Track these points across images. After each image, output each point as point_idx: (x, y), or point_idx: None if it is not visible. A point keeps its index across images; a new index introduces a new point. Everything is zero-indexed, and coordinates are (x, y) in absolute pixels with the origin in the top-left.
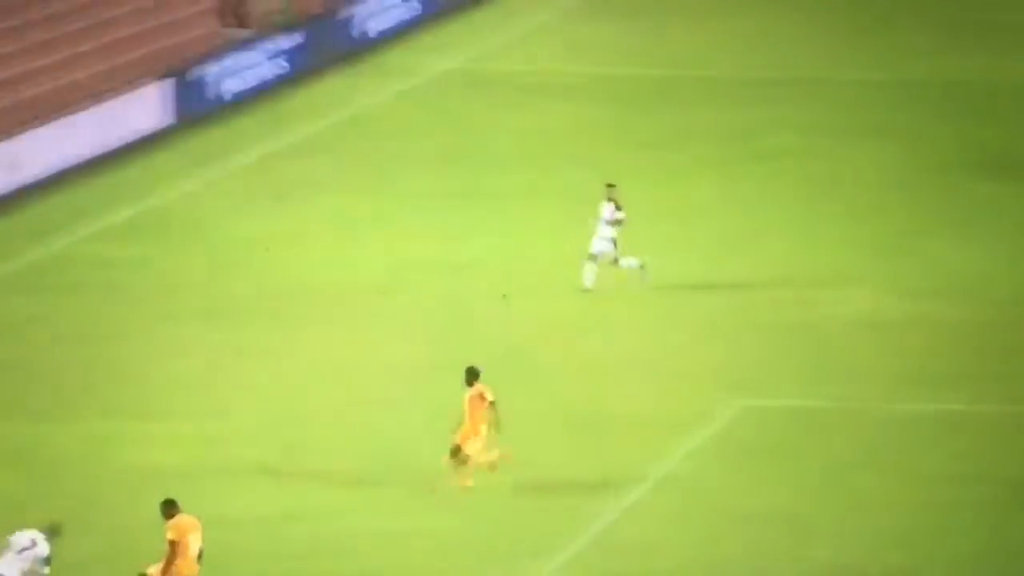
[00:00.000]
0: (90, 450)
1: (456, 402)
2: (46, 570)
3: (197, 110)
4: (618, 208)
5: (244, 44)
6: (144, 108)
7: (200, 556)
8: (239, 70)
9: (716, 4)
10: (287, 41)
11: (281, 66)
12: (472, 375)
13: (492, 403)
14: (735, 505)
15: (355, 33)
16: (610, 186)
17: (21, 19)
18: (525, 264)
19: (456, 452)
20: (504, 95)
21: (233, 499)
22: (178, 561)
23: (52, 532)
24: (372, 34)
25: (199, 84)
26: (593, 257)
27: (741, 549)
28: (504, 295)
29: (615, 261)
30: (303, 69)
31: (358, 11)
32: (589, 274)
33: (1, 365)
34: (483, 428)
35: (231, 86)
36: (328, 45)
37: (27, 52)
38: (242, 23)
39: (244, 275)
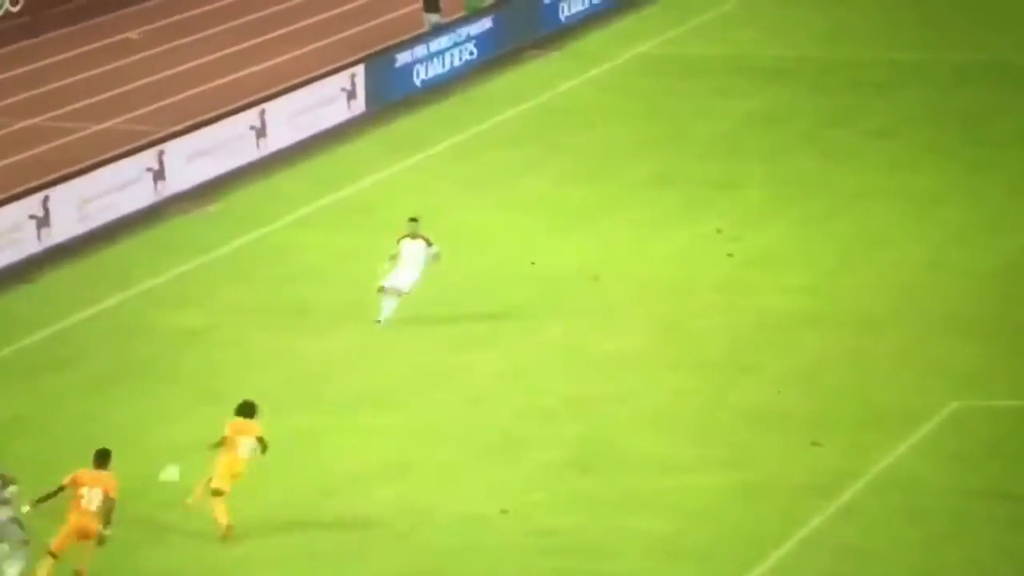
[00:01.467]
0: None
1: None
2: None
3: (392, 97)
4: (429, 244)
5: (439, 30)
6: (340, 95)
7: (104, 513)
8: (433, 56)
9: None
10: (479, 26)
11: (473, 52)
12: (247, 410)
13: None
14: (956, 508)
15: (549, 17)
16: (413, 220)
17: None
18: (741, 254)
19: (215, 492)
20: (702, 80)
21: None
22: (71, 512)
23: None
24: (566, 18)
25: (397, 70)
26: (394, 293)
27: (960, 554)
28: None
29: (399, 295)
30: (496, 55)
31: None
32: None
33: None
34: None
35: (426, 72)
36: (521, 30)
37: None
38: (436, 7)
39: (456, 265)
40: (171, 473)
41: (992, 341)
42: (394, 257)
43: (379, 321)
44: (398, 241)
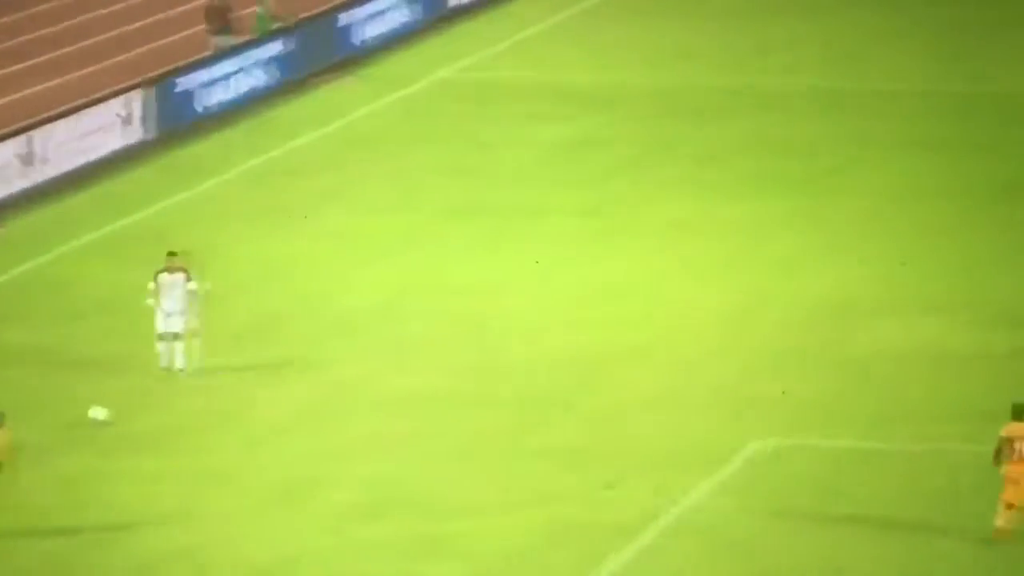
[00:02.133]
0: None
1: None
2: None
3: (176, 123)
4: (189, 278)
5: (226, 53)
6: (122, 120)
7: None
8: (220, 80)
9: (738, 5)
10: (269, 49)
11: (269, 75)
12: None
13: None
14: (764, 554)
15: (348, 40)
16: (172, 255)
17: None
18: (546, 288)
19: None
20: (511, 104)
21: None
22: None
23: None
24: (366, 40)
25: (179, 95)
26: (170, 336)
27: None
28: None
29: (176, 337)
30: (293, 78)
31: (351, 16)
32: (165, 355)
33: None
34: None
35: (216, 96)
36: (319, 52)
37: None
38: (228, 29)
39: (241, 299)
40: (99, 413)
41: (809, 377)
42: (153, 293)
43: (181, 370)
44: (155, 276)
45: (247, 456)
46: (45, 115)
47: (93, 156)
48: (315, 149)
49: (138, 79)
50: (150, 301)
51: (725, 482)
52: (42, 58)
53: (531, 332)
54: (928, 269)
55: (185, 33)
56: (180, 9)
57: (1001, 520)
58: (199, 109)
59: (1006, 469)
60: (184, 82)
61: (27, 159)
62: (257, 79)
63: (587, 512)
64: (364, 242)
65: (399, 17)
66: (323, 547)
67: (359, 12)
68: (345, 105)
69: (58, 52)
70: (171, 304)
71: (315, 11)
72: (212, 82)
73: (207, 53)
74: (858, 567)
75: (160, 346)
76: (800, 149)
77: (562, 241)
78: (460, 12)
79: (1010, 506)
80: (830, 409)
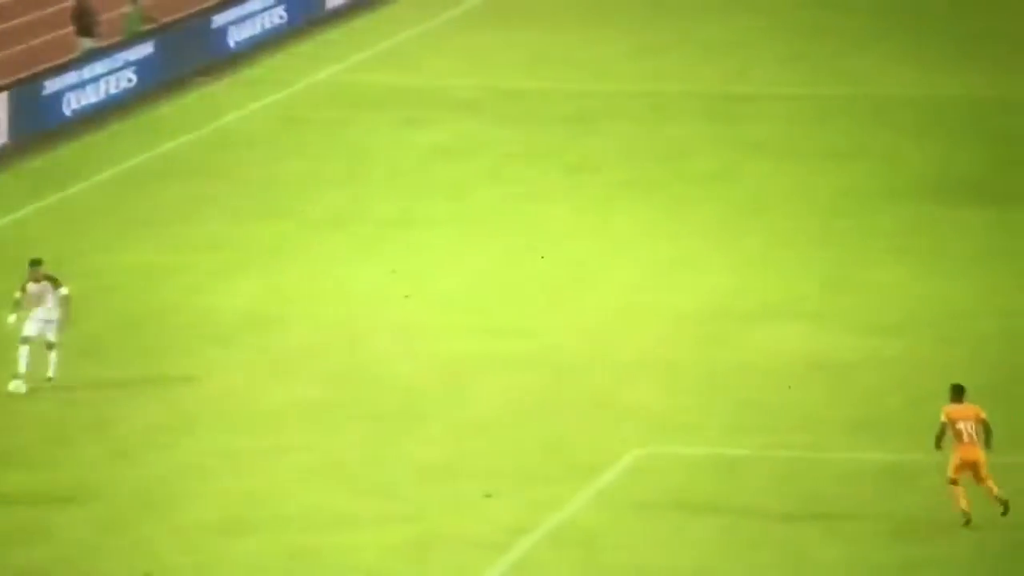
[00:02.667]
0: None
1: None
2: None
3: (41, 127)
4: (56, 286)
5: (94, 54)
6: None
7: None
8: (87, 83)
9: (621, 11)
10: (139, 51)
11: (139, 77)
12: None
13: None
14: (640, 563)
15: (222, 41)
16: (35, 263)
17: None
18: (420, 297)
19: None
20: (386, 110)
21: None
22: None
23: None
24: (240, 42)
25: (45, 98)
26: (40, 343)
27: None
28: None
29: (50, 346)
30: (164, 80)
31: (225, 18)
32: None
33: None
34: None
35: (82, 99)
36: (187, 55)
37: None
38: (95, 31)
39: (105, 308)
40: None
41: (684, 385)
42: (18, 303)
43: (50, 379)
44: (22, 287)
45: (107, 470)
46: None
47: None
48: (185, 154)
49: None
50: (11, 319)
51: (602, 492)
52: None
53: (406, 342)
54: (797, 276)
55: (52, 36)
56: (49, 11)
57: (963, 502)
58: (66, 112)
59: (955, 452)
60: (49, 85)
61: None
62: (126, 82)
63: (461, 525)
64: (235, 250)
65: (274, 19)
66: (183, 564)
67: (233, 13)
68: (217, 109)
69: None
70: (43, 312)
71: (187, 12)
72: (78, 85)
73: (73, 55)
74: (733, 574)
75: (23, 350)
76: (671, 155)
77: (436, 249)
78: (336, 15)
79: (954, 481)
80: (705, 417)
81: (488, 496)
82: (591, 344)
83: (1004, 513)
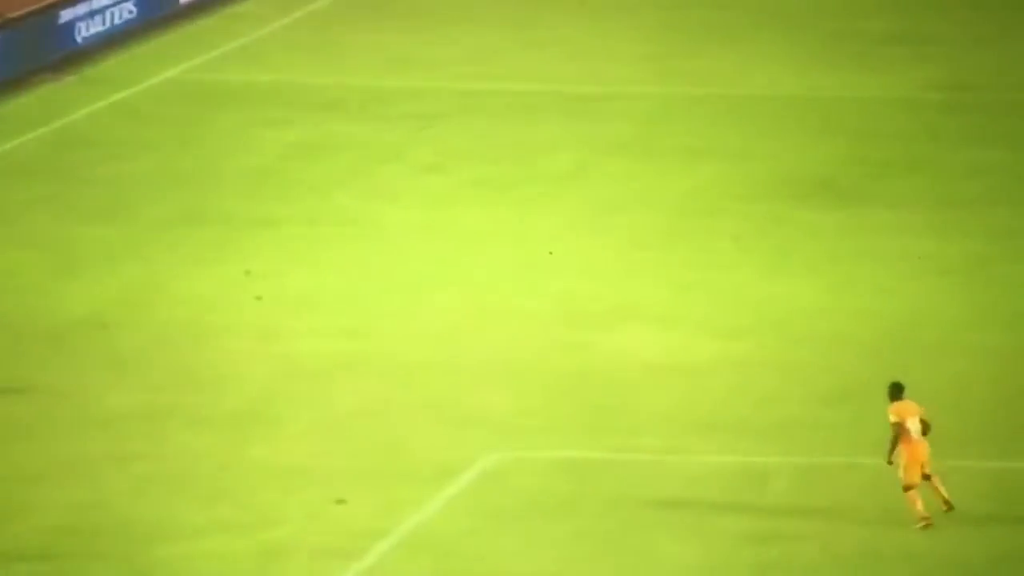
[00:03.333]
0: None
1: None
2: None
3: None
4: None
5: None
6: None
7: None
8: None
9: (460, 14)
10: None
11: None
12: None
13: None
14: (494, 568)
15: (69, 37)
16: None
17: None
18: (268, 299)
19: None
20: (240, 109)
21: None
22: None
23: None
24: (88, 38)
25: None
26: None
27: None
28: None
29: None
30: (7, 76)
31: (73, 12)
32: None
33: None
34: None
35: None
36: (30, 51)
37: None
38: None
39: None
40: None
41: (535, 388)
42: None
43: None
44: None
45: None
46: None
47: None
48: (28, 152)
49: None
50: None
51: (455, 497)
52: None
53: (251, 344)
54: (648, 278)
55: None
56: None
57: (919, 506)
58: None
59: (906, 452)
60: None
61: None
62: None
63: (312, 532)
64: (74, 251)
65: (124, 15)
66: (20, 574)
67: (81, 9)
68: (63, 106)
69: None
70: None
71: (33, 7)
72: None
73: None
74: None
75: None
76: (525, 155)
77: (286, 250)
78: (188, 11)
79: (910, 488)
80: (556, 421)
81: (341, 502)
82: (442, 346)
83: (948, 511)
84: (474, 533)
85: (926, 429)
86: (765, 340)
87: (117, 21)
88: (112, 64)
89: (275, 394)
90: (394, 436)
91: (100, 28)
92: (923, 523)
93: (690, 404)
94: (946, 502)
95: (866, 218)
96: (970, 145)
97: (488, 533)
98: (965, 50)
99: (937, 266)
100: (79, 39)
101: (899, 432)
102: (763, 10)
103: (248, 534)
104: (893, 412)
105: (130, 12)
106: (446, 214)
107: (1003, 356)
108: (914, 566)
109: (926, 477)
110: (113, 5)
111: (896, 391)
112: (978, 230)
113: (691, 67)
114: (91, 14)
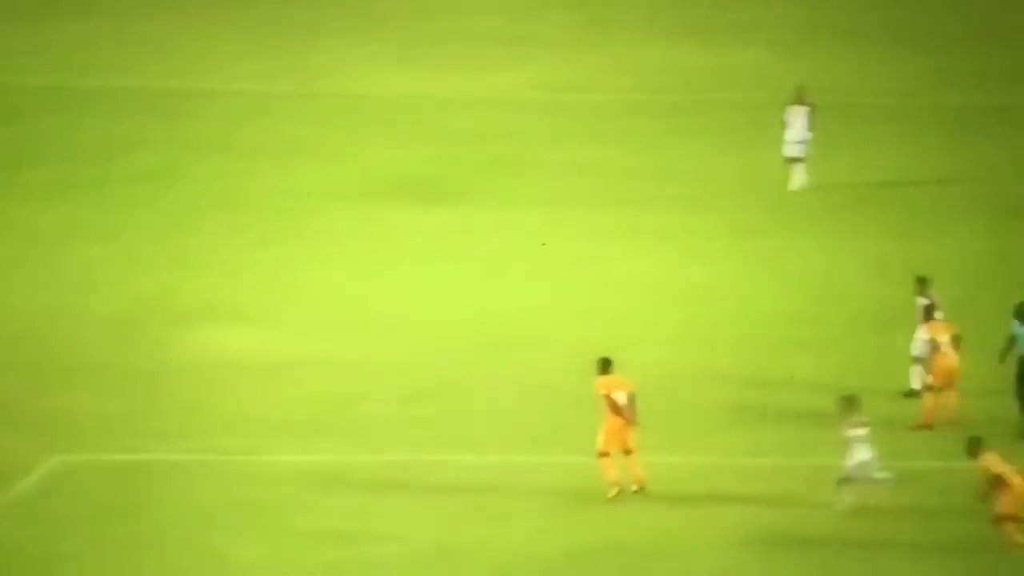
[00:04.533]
0: None
1: None
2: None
3: None
4: None
5: None
6: None
7: None
8: None
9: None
10: None
11: None
12: None
13: None
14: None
15: None
16: None
17: None
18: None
19: None
20: None
21: None
22: None
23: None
24: None
25: None
26: None
27: None
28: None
29: None
30: None
31: None
32: None
33: None
34: None
35: None
36: None
37: None
38: None
39: None
40: None
41: (112, 389)
42: None
43: None
44: None
45: None
46: None
47: None
48: None
49: None
50: None
51: (16, 501)
52: None
53: None
54: (237, 277)
55: None
56: None
57: (613, 472)
58: None
59: (606, 423)
60: None
61: None
62: None
63: None
64: None
65: None
66: None
67: None
68: None
69: None
70: None
71: None
72: None
73: None
74: None
75: None
76: (107, 154)
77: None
78: None
79: (606, 454)
80: (132, 422)
81: None
82: (16, 346)
83: (639, 491)
84: (36, 540)
85: (632, 406)
86: (351, 339)
87: None
88: None
89: None
90: None
91: None
92: (615, 491)
93: (271, 404)
94: (638, 481)
95: (469, 217)
96: (575, 145)
97: (49, 538)
98: (571, 51)
99: (538, 266)
100: None
101: (617, 404)
102: (358, 12)
103: None
104: (600, 384)
105: None
106: (18, 214)
107: (596, 351)
108: (492, 560)
109: (627, 453)
110: None
111: (604, 365)
112: (581, 229)
113: (289, 64)
114: None
